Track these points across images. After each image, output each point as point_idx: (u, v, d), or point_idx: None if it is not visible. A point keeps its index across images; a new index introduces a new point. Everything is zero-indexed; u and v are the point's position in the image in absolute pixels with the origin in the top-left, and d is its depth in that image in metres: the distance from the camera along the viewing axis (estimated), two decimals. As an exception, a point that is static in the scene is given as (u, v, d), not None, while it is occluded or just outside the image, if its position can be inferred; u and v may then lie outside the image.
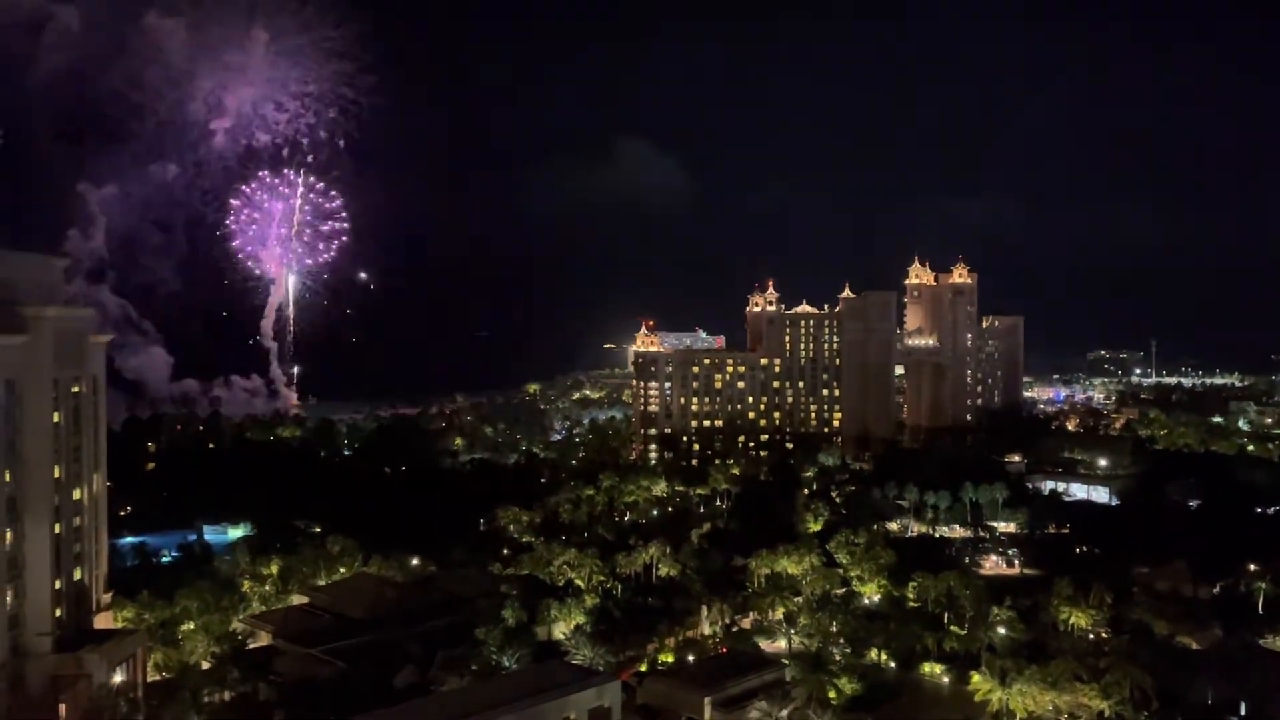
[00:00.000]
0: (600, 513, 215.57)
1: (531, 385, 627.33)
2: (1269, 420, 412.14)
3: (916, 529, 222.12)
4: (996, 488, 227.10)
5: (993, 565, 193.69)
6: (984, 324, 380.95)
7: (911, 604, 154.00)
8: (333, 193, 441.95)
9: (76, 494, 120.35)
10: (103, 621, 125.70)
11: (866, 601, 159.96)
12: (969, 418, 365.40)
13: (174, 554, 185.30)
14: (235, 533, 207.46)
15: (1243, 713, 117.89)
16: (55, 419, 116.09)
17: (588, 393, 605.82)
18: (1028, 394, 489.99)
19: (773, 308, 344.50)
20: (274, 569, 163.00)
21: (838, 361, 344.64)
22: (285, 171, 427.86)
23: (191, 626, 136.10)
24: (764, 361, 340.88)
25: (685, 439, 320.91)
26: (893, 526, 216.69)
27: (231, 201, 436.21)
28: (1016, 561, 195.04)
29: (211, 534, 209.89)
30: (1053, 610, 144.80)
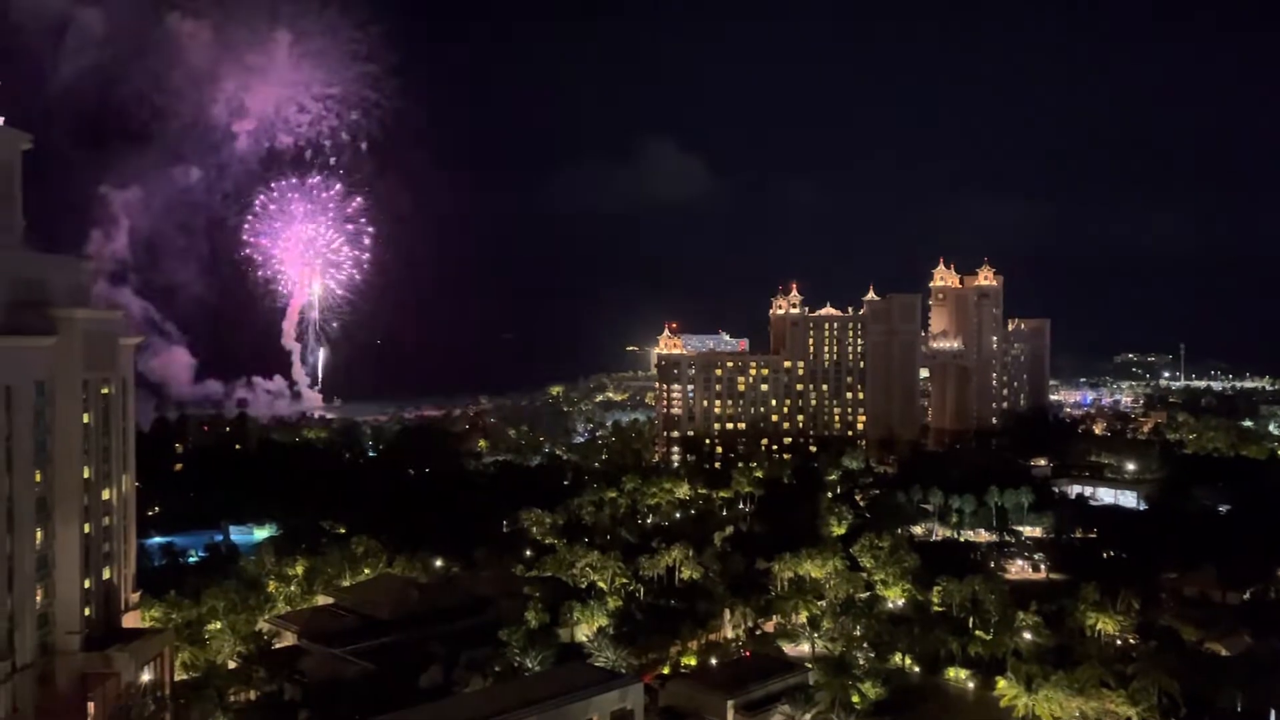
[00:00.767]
0: (623, 515, 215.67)
1: (554, 387, 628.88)
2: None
3: (941, 533, 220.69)
4: (1022, 492, 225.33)
5: (1018, 570, 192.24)
6: (1009, 326, 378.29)
7: (936, 608, 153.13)
8: (355, 195, 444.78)
9: (106, 494, 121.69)
10: (131, 621, 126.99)
11: (890, 605, 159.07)
12: (994, 421, 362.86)
13: (201, 554, 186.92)
14: (261, 533, 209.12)
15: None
16: (85, 420, 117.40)
17: (610, 395, 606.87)
18: (1054, 397, 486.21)
19: (796, 310, 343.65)
20: (299, 569, 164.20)
21: (862, 364, 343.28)
22: (307, 173, 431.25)
23: (218, 626, 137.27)
24: (787, 364, 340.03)
25: (708, 441, 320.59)
26: (917, 530, 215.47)
27: (253, 203, 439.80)
28: (1042, 566, 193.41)
29: (238, 534, 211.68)
30: (1079, 615, 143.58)
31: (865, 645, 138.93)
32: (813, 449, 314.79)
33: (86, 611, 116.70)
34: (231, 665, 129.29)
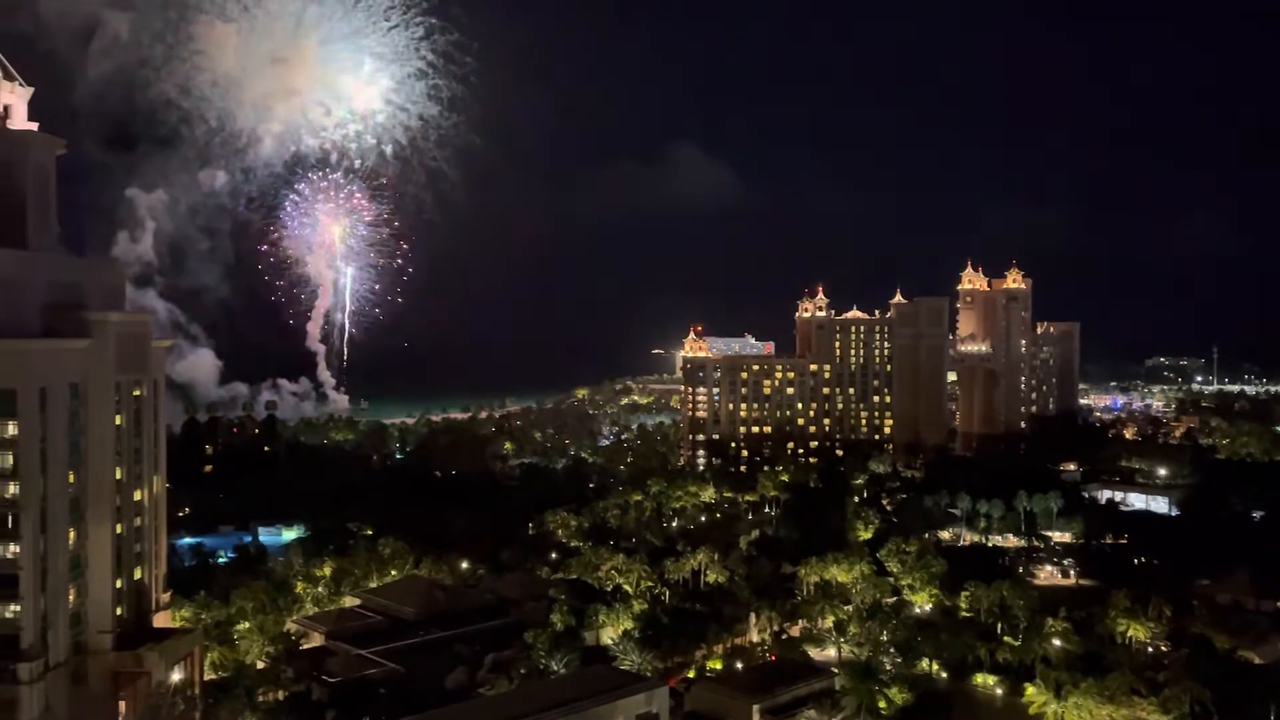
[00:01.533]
0: (648, 518, 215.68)
1: (580, 390, 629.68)
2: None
3: (969, 538, 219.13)
4: (1051, 496, 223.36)
5: (1047, 575, 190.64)
6: (1038, 330, 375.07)
7: (964, 614, 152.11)
8: (381, 198, 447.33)
9: (137, 495, 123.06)
10: (161, 620, 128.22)
11: (917, 610, 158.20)
12: (1023, 425, 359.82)
13: (230, 555, 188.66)
14: (289, 534, 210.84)
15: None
16: (117, 421, 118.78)
17: (636, 398, 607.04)
18: (1084, 401, 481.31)
19: (822, 313, 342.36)
20: (327, 570, 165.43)
21: (889, 367, 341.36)
22: (333, 177, 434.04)
23: (247, 626, 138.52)
24: (813, 367, 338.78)
25: (734, 445, 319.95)
26: (944, 535, 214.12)
27: (278, 206, 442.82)
28: (1072, 572, 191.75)
29: (266, 535, 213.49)
30: (1109, 622, 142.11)
31: (892, 650, 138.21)
32: (839, 453, 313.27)
33: (118, 611, 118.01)
34: (260, 665, 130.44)
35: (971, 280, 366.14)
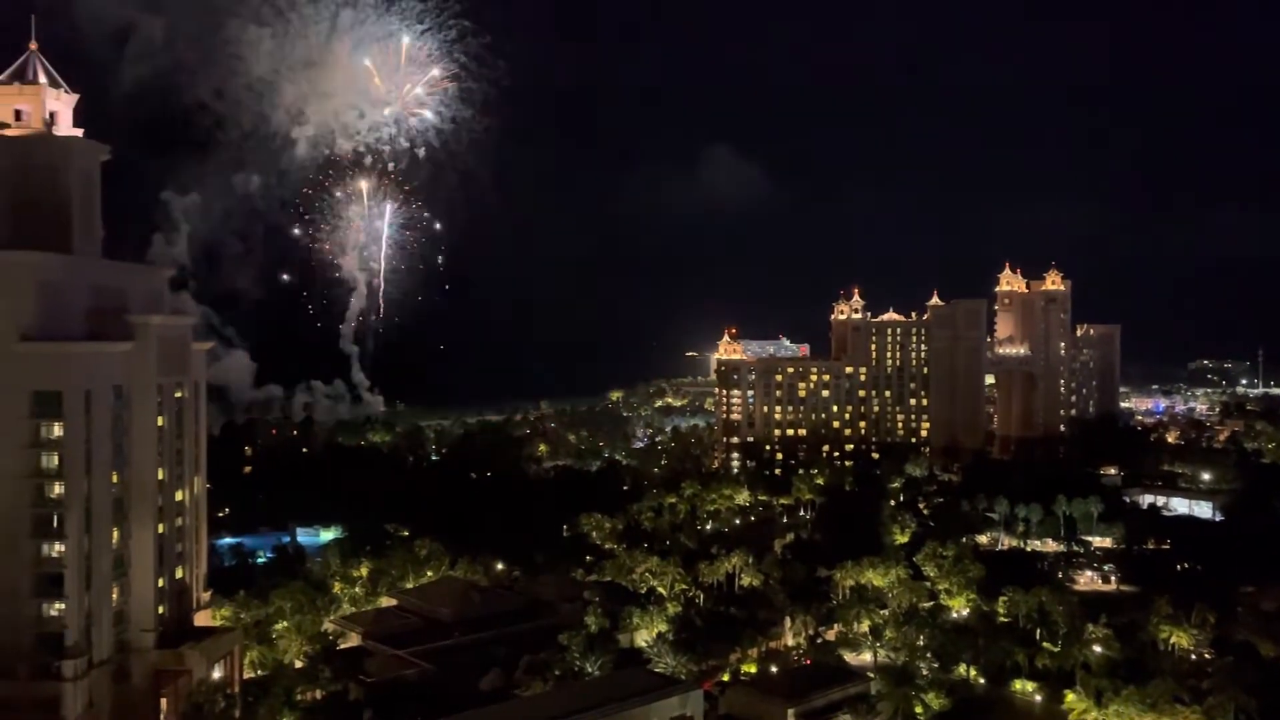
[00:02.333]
0: (682, 521, 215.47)
1: (614, 392, 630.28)
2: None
3: (1007, 542, 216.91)
4: (1091, 501, 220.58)
5: (1087, 581, 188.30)
6: (1078, 332, 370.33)
7: (1002, 619, 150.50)
8: (415, 201, 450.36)
9: (179, 495, 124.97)
10: (202, 619, 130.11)
11: (955, 615, 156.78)
12: (1062, 429, 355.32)
13: (269, 555, 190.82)
14: (327, 535, 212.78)
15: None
16: (159, 423, 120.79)
17: (670, 400, 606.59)
18: (1125, 405, 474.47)
19: (858, 315, 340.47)
20: (364, 571, 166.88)
21: (925, 370, 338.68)
22: (366, 179, 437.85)
23: (285, 626, 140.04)
24: (849, 370, 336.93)
25: (768, 448, 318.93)
26: (982, 539, 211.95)
27: (312, 209, 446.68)
28: (1113, 578, 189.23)
29: (304, 536, 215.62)
30: (1152, 629, 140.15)
31: (929, 655, 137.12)
32: (875, 456, 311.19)
33: (160, 610, 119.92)
34: (298, 665, 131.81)
35: (1009, 282, 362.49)
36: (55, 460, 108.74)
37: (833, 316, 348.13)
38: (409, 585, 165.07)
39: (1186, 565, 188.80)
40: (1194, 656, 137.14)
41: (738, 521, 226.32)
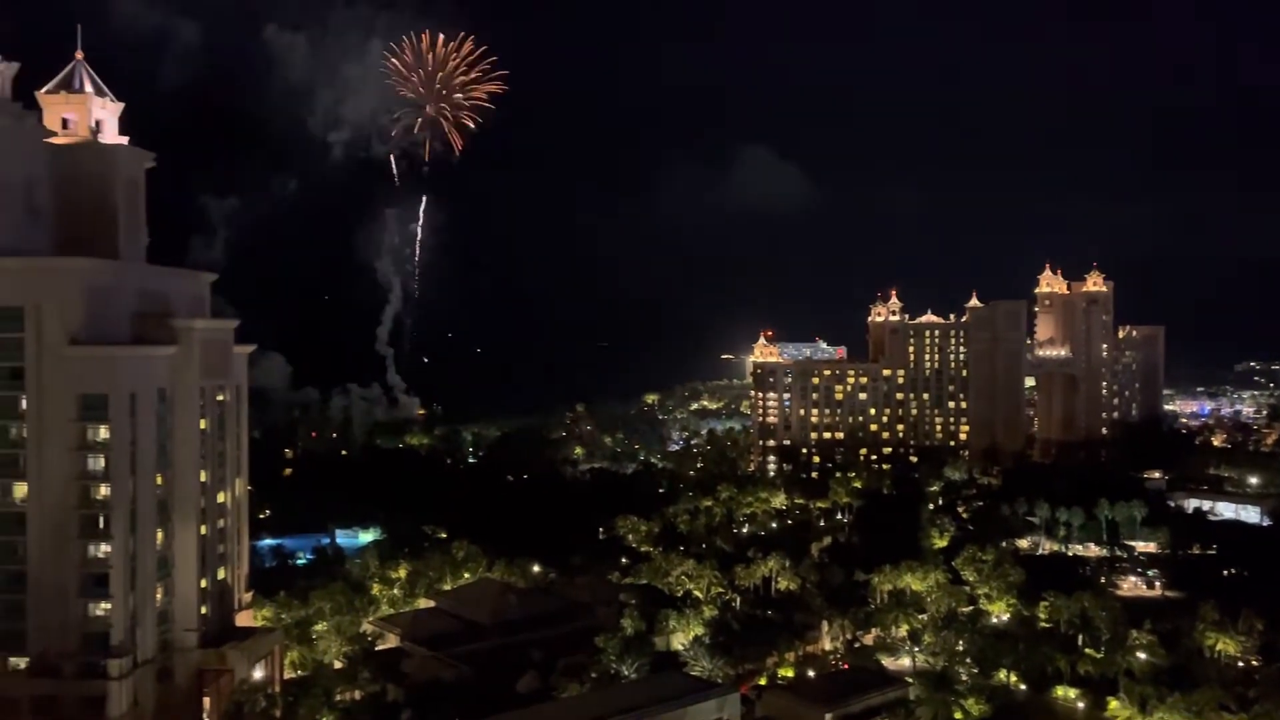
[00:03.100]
0: (718, 524, 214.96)
1: (650, 395, 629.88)
2: None
3: (1048, 547, 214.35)
4: (1134, 505, 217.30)
5: (1131, 586, 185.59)
6: (1120, 334, 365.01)
7: (1043, 624, 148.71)
8: (449, 203, 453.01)
9: (221, 497, 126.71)
10: (243, 620, 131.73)
11: (995, 620, 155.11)
12: (1104, 432, 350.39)
13: (309, 556, 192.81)
14: (366, 536, 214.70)
15: None
16: (202, 426, 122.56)
17: (705, 403, 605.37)
18: (1169, 407, 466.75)
19: (895, 317, 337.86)
20: (402, 573, 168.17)
21: (964, 372, 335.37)
22: (401, 181, 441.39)
23: (324, 627, 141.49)
24: (886, 372, 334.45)
25: (805, 451, 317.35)
26: (1022, 544, 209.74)
27: (347, 212, 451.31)
28: (1157, 583, 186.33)
29: (343, 538, 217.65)
30: (1197, 635, 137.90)
31: (968, 660, 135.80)
32: (913, 459, 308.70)
33: (203, 610, 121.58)
34: (337, 665, 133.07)
35: (1050, 283, 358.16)
36: (101, 462, 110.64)
37: (870, 318, 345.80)
38: (446, 587, 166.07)
39: (1233, 571, 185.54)
40: (1241, 664, 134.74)
41: (774, 525, 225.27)
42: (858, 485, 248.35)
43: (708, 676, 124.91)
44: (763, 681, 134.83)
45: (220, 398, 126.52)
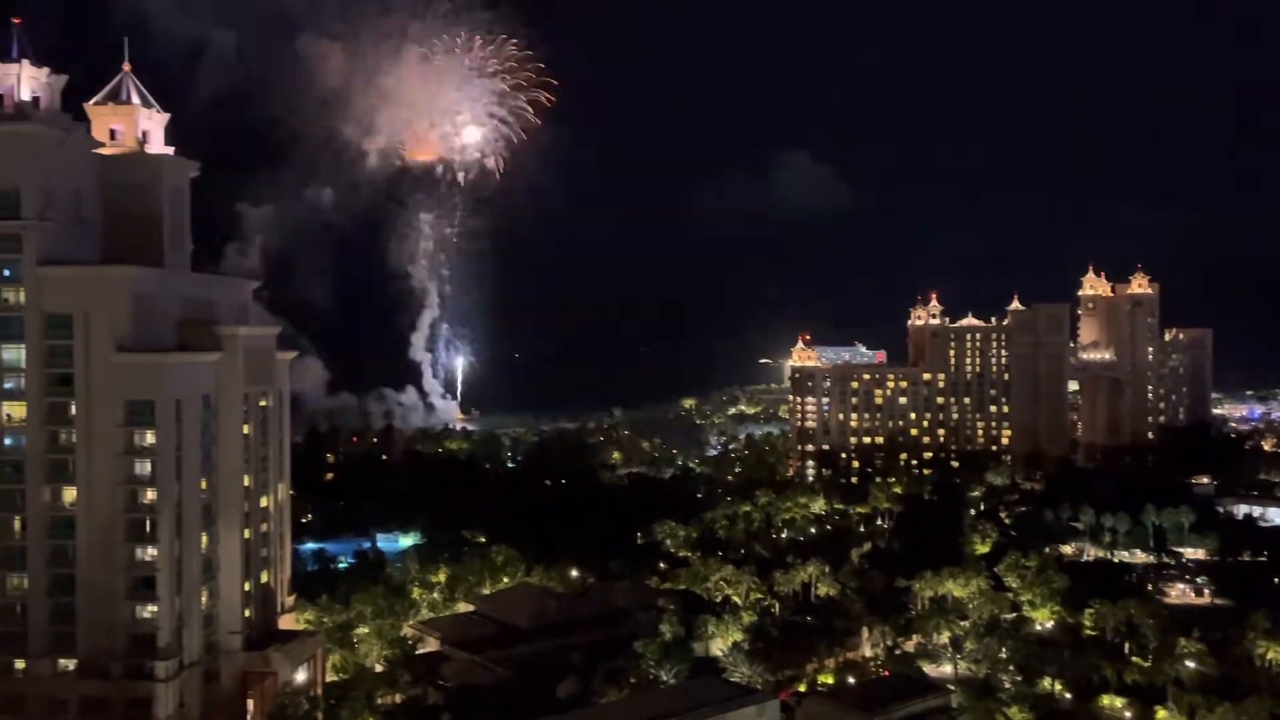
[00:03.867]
0: (757, 530, 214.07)
1: (687, 400, 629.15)
2: None
3: (1093, 553, 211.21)
4: (1182, 511, 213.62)
5: (1179, 594, 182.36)
6: (1166, 337, 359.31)
7: (1088, 632, 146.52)
8: (484, 208, 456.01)
9: (264, 501, 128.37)
10: (286, 623, 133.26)
11: (1038, 628, 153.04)
12: (1150, 436, 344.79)
13: (350, 560, 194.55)
14: (406, 541, 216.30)
15: None
16: (246, 431, 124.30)
17: (744, 408, 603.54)
18: (1217, 411, 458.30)
19: (936, 320, 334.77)
20: (442, 577, 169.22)
21: (1006, 376, 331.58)
22: (437, 188, 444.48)
23: (365, 630, 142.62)
24: (927, 376, 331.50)
25: (844, 456, 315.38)
26: (1066, 550, 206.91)
27: (383, 219, 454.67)
28: (1206, 591, 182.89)
29: (384, 542, 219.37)
30: (1247, 644, 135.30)
31: (1011, 668, 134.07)
32: (954, 464, 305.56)
33: (247, 613, 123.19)
34: (378, 668, 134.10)
35: (1093, 285, 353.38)
36: (148, 467, 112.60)
37: (910, 322, 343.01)
38: (486, 591, 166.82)
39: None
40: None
41: (813, 530, 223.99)
42: (898, 490, 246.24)
43: (747, 683, 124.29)
44: (802, 688, 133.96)
45: (263, 403, 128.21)
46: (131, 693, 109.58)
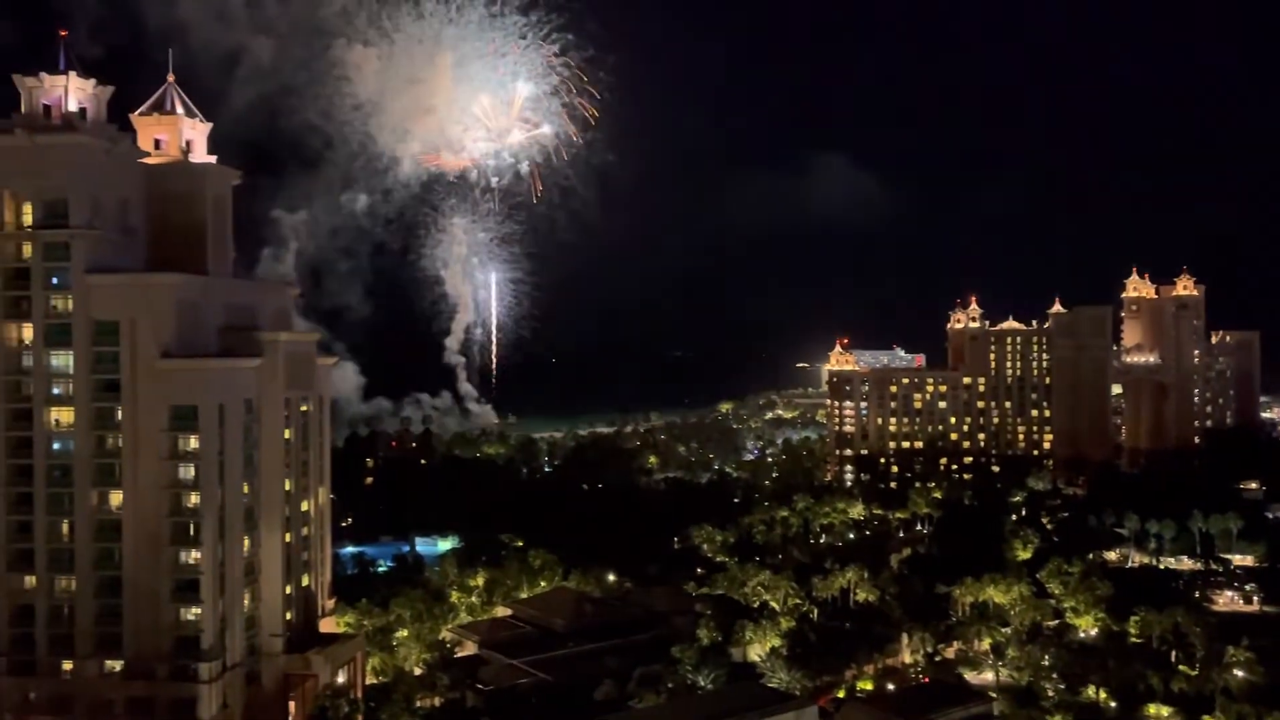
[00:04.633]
0: (795, 534, 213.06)
1: (724, 404, 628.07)
2: None
3: (1137, 559, 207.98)
4: (1230, 517, 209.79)
5: (1227, 601, 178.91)
6: (1213, 339, 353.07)
7: (1133, 640, 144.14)
8: (518, 215, 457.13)
9: (305, 505, 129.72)
10: (326, 626, 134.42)
11: (1082, 635, 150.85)
12: (1196, 441, 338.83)
13: (389, 564, 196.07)
14: (444, 544, 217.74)
15: None
16: (287, 435, 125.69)
17: (781, 412, 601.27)
18: (1266, 415, 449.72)
19: (975, 324, 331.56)
20: (480, 581, 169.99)
21: (1048, 380, 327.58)
22: (472, 194, 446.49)
23: (405, 634, 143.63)
24: (967, 380, 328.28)
25: (883, 460, 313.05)
26: (1110, 556, 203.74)
27: (417, 225, 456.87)
28: (1255, 598, 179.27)
29: (423, 545, 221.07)
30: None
31: (1054, 676, 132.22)
32: (995, 469, 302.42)
33: (288, 616, 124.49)
34: (417, 671, 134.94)
35: (1137, 288, 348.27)
36: (192, 471, 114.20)
37: (949, 325, 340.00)
38: (524, 595, 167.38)
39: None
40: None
41: (851, 536, 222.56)
42: (938, 495, 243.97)
43: (785, 688, 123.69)
44: (841, 694, 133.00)
45: (304, 408, 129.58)
46: (176, 693, 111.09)
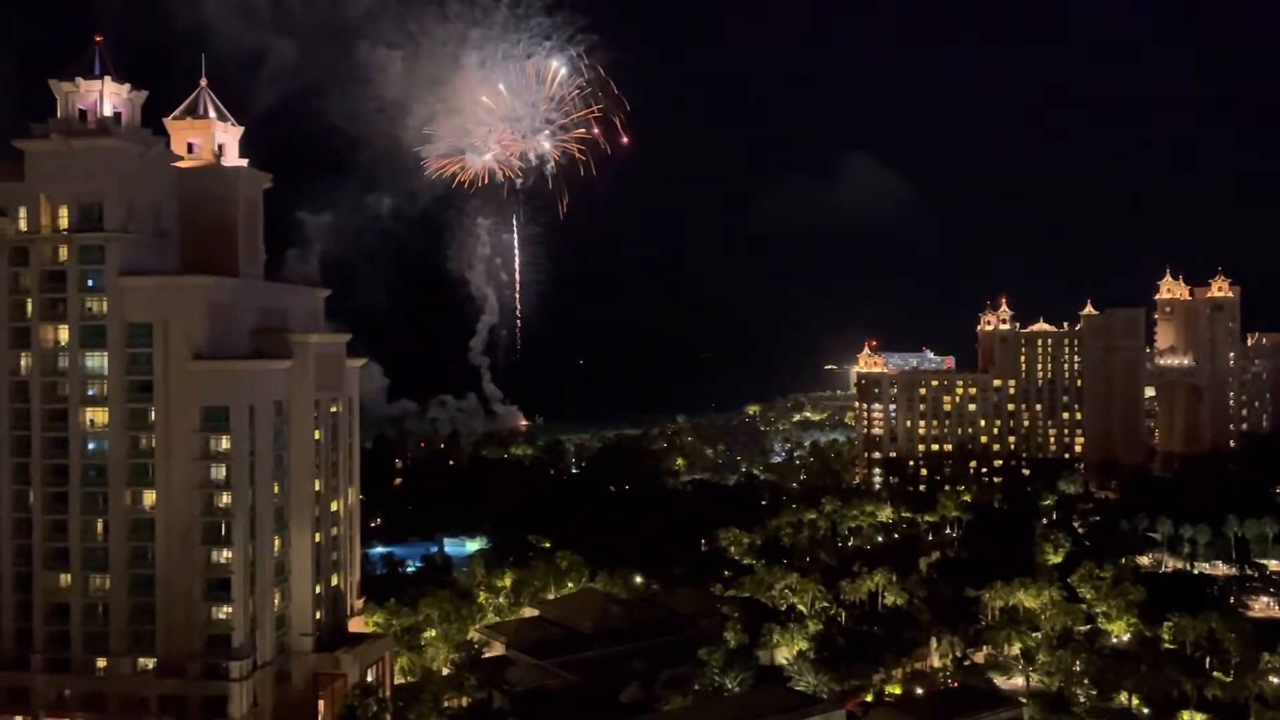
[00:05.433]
0: (822, 537, 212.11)
1: (751, 406, 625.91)
2: None
3: (1171, 564, 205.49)
4: (1266, 522, 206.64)
5: (1263, 607, 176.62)
6: (1249, 341, 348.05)
7: (1167, 645, 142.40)
8: (544, 215, 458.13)
9: (334, 506, 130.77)
10: (355, 625, 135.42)
11: (1114, 641, 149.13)
12: (1231, 444, 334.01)
13: (418, 564, 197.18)
14: (472, 545, 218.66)
15: None
16: (316, 436, 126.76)
17: (808, 414, 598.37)
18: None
19: (1006, 326, 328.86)
20: (507, 581, 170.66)
21: (1079, 383, 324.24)
22: (495, 195, 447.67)
23: (433, 634, 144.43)
24: (997, 382, 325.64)
25: (911, 463, 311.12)
26: (1143, 561, 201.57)
27: (441, 226, 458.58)
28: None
29: (451, 546, 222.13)
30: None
31: (1086, 682, 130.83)
32: (1025, 472, 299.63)
33: (318, 615, 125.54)
34: (445, 672, 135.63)
35: (1170, 289, 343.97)
36: (223, 471, 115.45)
37: (979, 327, 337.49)
38: (551, 596, 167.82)
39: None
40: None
41: (880, 539, 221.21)
42: (967, 499, 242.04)
43: (812, 692, 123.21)
44: (869, 698, 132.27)
45: (334, 409, 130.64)
46: (207, 691, 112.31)
